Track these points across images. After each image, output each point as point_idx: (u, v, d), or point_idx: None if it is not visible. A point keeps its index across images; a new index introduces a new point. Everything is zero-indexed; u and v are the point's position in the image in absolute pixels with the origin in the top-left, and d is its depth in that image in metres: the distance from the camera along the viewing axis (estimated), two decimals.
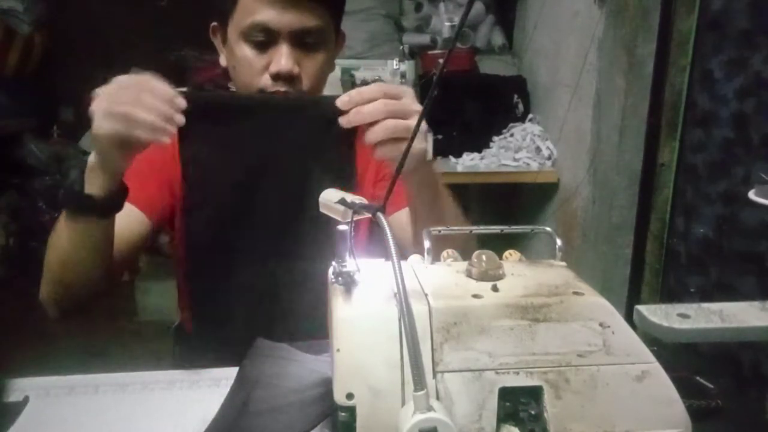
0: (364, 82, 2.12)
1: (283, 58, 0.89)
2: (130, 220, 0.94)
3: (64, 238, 0.83)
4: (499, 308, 0.48)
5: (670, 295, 1.78)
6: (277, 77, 0.90)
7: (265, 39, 0.90)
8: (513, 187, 2.45)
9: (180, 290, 1.08)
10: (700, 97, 1.65)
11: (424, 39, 2.45)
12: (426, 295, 0.49)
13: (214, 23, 0.99)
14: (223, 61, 0.99)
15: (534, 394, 0.48)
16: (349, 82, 2.14)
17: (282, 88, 0.91)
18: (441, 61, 2.31)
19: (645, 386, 0.48)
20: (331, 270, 0.53)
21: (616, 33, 1.73)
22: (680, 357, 0.68)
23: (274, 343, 0.74)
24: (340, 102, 0.76)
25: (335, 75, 2.12)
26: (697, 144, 1.66)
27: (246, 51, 0.91)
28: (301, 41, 0.90)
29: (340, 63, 2.16)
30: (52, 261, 0.87)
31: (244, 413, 0.61)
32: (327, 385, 0.56)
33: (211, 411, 0.66)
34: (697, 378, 0.74)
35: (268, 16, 0.88)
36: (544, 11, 2.25)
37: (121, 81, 0.73)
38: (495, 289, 0.51)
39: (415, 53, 2.38)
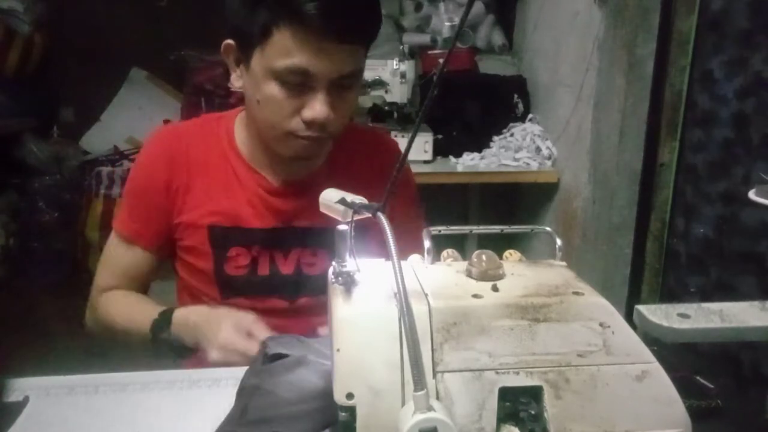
0: (364, 82, 2.12)
1: (319, 105, 0.84)
2: (139, 263, 1.01)
3: (131, 336, 0.97)
4: (499, 308, 0.48)
5: (670, 295, 1.78)
6: (311, 124, 0.86)
7: (300, 82, 0.84)
8: (513, 187, 2.45)
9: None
10: (700, 97, 1.65)
11: (424, 39, 2.45)
12: (426, 295, 0.49)
13: (229, 41, 0.91)
14: (236, 82, 0.93)
15: (534, 394, 0.48)
16: None
17: (314, 134, 0.87)
18: (441, 61, 2.31)
19: (645, 386, 0.48)
20: (331, 270, 0.53)
21: (616, 33, 1.73)
22: (680, 357, 0.68)
23: (281, 336, 0.74)
24: None
25: None
26: (697, 144, 1.66)
27: (276, 91, 0.85)
28: (338, 85, 0.86)
29: None
30: (105, 332, 1.04)
31: (241, 422, 0.60)
32: (326, 399, 0.56)
33: (211, 411, 0.66)
34: (697, 378, 0.74)
35: (308, 61, 0.82)
36: (544, 11, 2.25)
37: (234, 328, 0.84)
38: (495, 289, 0.51)
39: (415, 53, 2.38)
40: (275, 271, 1.00)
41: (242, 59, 0.89)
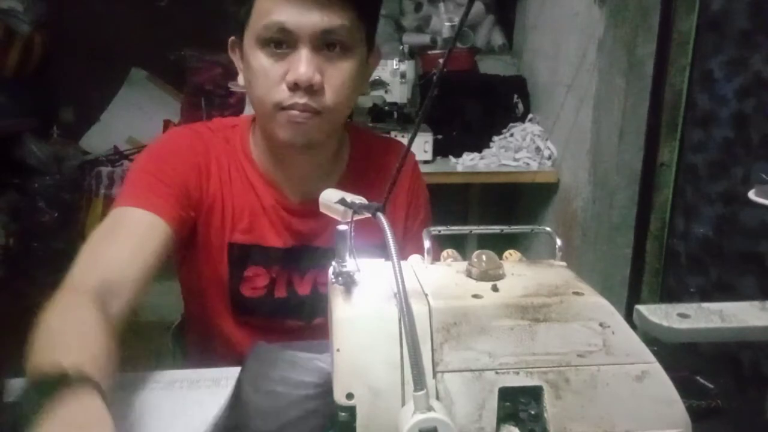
0: None
1: (302, 65, 0.78)
2: (155, 231, 0.82)
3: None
4: (499, 308, 0.48)
5: (670, 295, 1.78)
6: (295, 87, 0.79)
7: (282, 42, 0.79)
8: (513, 187, 2.45)
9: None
10: (700, 97, 1.65)
11: (424, 39, 2.45)
12: (426, 295, 0.49)
13: (233, 38, 0.88)
14: (240, 80, 0.88)
15: (534, 394, 0.48)
16: None
17: (301, 101, 0.80)
18: (441, 61, 2.31)
19: (645, 386, 0.48)
20: (331, 270, 0.53)
21: (616, 33, 1.73)
22: (680, 357, 0.68)
23: (272, 346, 0.73)
24: None
25: None
26: (697, 144, 1.66)
27: (261, 59, 0.80)
28: (324, 44, 0.80)
29: None
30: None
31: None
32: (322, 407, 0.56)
33: (211, 411, 0.66)
34: (697, 378, 0.74)
35: (285, 15, 0.77)
36: (544, 11, 2.25)
37: None
38: (495, 289, 0.51)
39: (415, 53, 2.38)
40: (292, 292, 0.96)
41: (240, 48, 0.86)
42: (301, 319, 0.97)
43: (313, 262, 0.96)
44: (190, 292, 1.02)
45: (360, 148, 1.00)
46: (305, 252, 0.96)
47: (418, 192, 1.06)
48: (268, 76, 0.80)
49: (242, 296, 0.94)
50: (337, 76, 0.81)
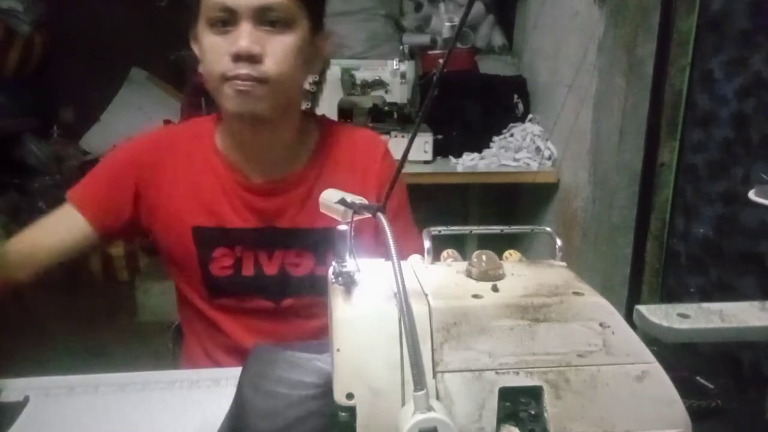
0: (364, 82, 2.12)
1: (241, 37, 0.85)
2: (72, 228, 0.97)
3: None
4: (499, 308, 0.48)
5: (670, 295, 1.78)
6: (237, 58, 0.86)
7: (226, 20, 0.86)
8: (513, 187, 2.45)
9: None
10: (700, 97, 1.65)
11: (424, 39, 2.45)
12: (426, 295, 0.49)
13: (193, 30, 0.95)
14: (201, 68, 0.95)
15: (534, 394, 0.48)
16: (349, 82, 2.13)
17: (243, 71, 0.86)
18: (441, 61, 2.31)
19: (645, 386, 0.48)
20: (331, 270, 0.53)
21: (616, 33, 1.73)
22: (680, 357, 0.68)
23: (272, 346, 0.74)
24: None
25: (335, 75, 2.12)
26: (697, 144, 1.66)
27: (210, 38, 0.88)
28: (264, 20, 0.87)
29: (340, 63, 2.16)
30: None
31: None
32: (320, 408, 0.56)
33: (211, 411, 0.67)
34: (697, 378, 0.74)
35: None
36: (544, 11, 2.25)
37: None
38: (495, 289, 0.51)
39: (415, 53, 2.38)
40: (259, 271, 1.00)
41: (197, 37, 0.93)
42: (269, 298, 1.01)
43: (280, 243, 1.00)
44: (170, 274, 1.07)
45: (329, 136, 1.04)
46: (270, 232, 1.00)
47: (389, 176, 1.07)
48: (215, 51, 0.88)
49: (212, 276, 0.99)
50: (277, 47, 0.88)
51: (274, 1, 0.86)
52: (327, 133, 1.04)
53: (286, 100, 0.93)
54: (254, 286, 1.00)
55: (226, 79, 0.87)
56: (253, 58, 0.86)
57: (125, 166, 1.00)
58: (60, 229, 0.97)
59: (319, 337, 1.01)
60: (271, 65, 0.87)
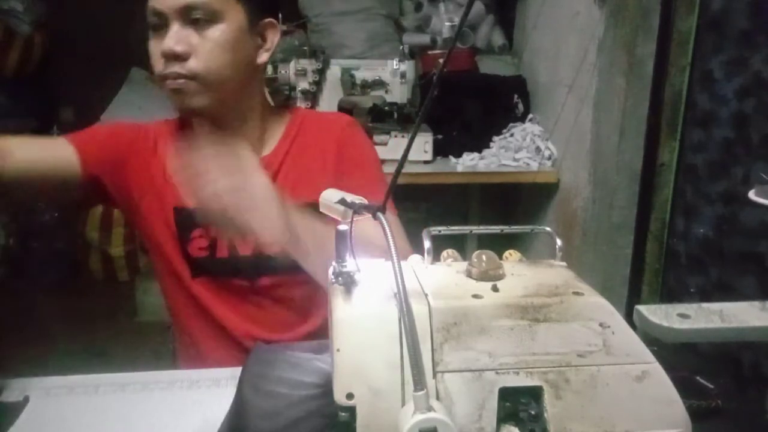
0: (364, 82, 2.12)
1: (167, 38, 0.89)
2: (58, 147, 0.96)
3: None
4: (499, 308, 0.48)
5: (670, 295, 1.78)
6: (167, 57, 0.90)
7: (158, 24, 0.91)
8: (513, 187, 2.45)
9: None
10: (700, 97, 1.65)
11: (424, 39, 2.45)
12: (426, 295, 0.49)
13: None
14: None
15: (534, 394, 0.48)
16: (349, 82, 2.13)
17: (172, 69, 0.90)
18: (441, 61, 2.31)
19: (645, 386, 0.48)
20: (331, 270, 0.53)
21: (616, 33, 1.73)
22: (680, 357, 0.68)
23: (272, 346, 0.74)
24: None
25: (335, 75, 2.11)
26: (697, 144, 1.66)
27: (150, 42, 0.93)
28: (190, 19, 0.90)
29: (340, 63, 2.16)
30: None
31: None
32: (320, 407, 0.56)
33: (211, 411, 0.67)
34: (697, 378, 0.74)
35: (157, 0, 0.90)
36: (544, 11, 2.25)
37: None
38: (495, 289, 0.51)
39: (415, 53, 2.38)
40: (234, 252, 1.02)
41: None
42: (244, 278, 1.03)
43: None
44: (153, 253, 1.08)
45: (297, 124, 1.07)
46: None
47: (347, 144, 1.08)
48: (154, 54, 0.93)
49: (191, 256, 1.02)
50: (204, 44, 0.91)
51: (198, 2, 0.89)
52: (297, 120, 1.08)
53: (226, 93, 0.95)
54: (230, 266, 1.03)
55: (162, 78, 0.92)
56: (179, 57, 0.90)
57: (124, 131, 1.05)
58: (47, 144, 0.99)
59: (301, 313, 1.04)
60: (197, 61, 0.90)
